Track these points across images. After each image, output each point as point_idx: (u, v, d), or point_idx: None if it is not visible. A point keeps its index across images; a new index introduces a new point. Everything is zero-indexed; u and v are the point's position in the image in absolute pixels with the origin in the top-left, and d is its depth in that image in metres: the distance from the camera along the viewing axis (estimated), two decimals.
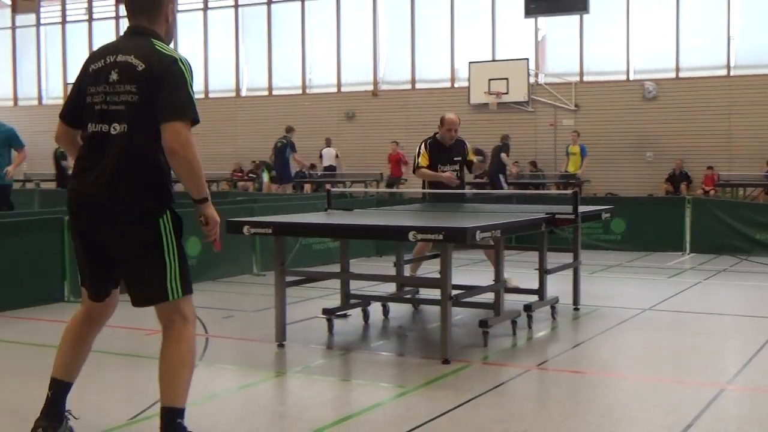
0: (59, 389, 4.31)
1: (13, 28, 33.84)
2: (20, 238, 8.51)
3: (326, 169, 26.05)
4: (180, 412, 4.11)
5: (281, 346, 6.78)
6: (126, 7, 4.25)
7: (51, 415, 4.27)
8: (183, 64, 4.01)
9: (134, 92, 3.97)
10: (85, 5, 32.27)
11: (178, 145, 3.95)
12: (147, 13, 4.16)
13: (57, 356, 4.38)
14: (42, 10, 33.20)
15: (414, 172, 9.58)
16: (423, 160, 9.26)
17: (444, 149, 9.28)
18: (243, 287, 10.02)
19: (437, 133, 9.35)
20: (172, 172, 4.13)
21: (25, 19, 33.43)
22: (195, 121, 4.06)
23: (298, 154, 21.54)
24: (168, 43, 4.16)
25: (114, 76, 4.03)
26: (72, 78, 21.55)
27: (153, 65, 3.97)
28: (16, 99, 34.00)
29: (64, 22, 32.70)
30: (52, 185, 25.65)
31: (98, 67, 4.10)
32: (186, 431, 4.11)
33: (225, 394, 5.62)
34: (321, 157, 26.19)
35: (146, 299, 4.15)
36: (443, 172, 9.13)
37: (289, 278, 6.99)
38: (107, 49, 4.17)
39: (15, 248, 8.43)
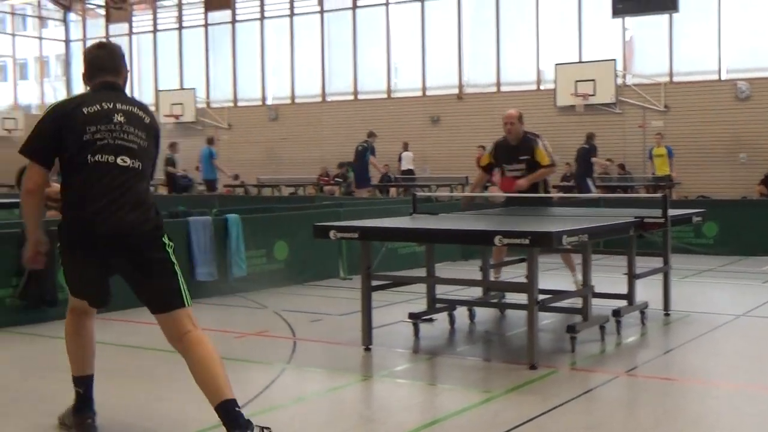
0: (84, 383, 4.80)
1: (107, 37, 34.75)
2: None
3: (404, 173, 26.09)
4: (235, 402, 4.34)
5: (368, 349, 6.81)
6: (97, 66, 4.70)
7: (82, 408, 4.77)
8: None
9: (144, 138, 4.59)
10: (176, 14, 32.99)
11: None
12: (114, 74, 4.71)
13: (70, 358, 4.85)
14: (134, 19, 34.09)
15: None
16: (483, 159, 9.16)
17: (509, 148, 9.06)
18: (330, 291, 10.11)
19: None
20: None
21: (119, 28, 34.38)
22: None
23: (374, 158, 21.62)
24: None
25: (120, 118, 4.53)
26: (164, 84, 22.15)
27: (153, 121, 4.73)
28: None
29: (155, 30, 33.48)
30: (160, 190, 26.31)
31: (96, 110, 4.52)
32: (244, 417, 4.30)
33: (312, 397, 5.68)
34: (400, 160, 26.25)
35: (167, 307, 4.54)
36: (510, 171, 8.99)
37: (375, 282, 7.03)
38: (97, 98, 4.58)
39: None
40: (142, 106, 4.73)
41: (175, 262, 4.55)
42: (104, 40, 4.77)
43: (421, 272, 8.07)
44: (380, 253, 7.44)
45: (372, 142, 21.13)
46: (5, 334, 7.44)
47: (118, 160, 4.46)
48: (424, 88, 28.12)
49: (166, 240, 4.56)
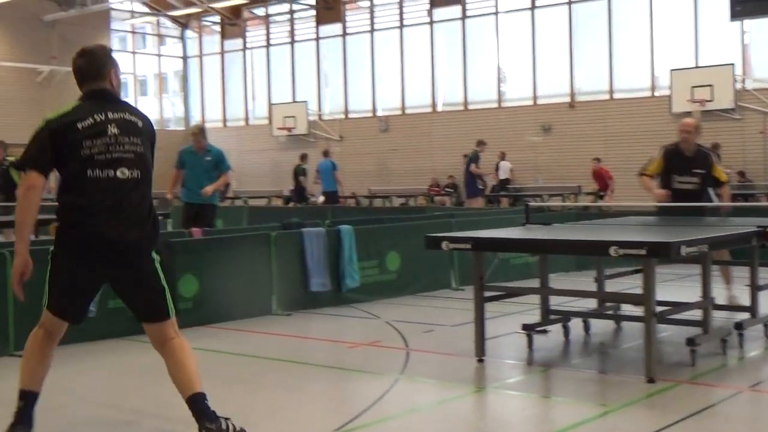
0: (30, 399, 4.71)
1: (222, 53, 35.67)
2: (231, 254, 8.93)
3: (502, 182, 25.90)
4: (204, 396, 4.64)
5: (481, 361, 6.77)
6: (80, 76, 4.74)
7: (24, 421, 4.67)
8: None
9: (139, 143, 4.65)
10: (288, 28, 33.58)
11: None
12: (97, 79, 4.71)
13: (24, 371, 4.74)
14: (248, 34, 34.86)
15: (639, 174, 9.01)
16: (652, 167, 8.78)
17: (683, 158, 8.65)
18: (441, 302, 10.10)
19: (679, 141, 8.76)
20: None
21: (233, 44, 35.22)
22: None
23: (476, 166, 21.46)
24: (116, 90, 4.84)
25: (113, 130, 4.59)
26: (277, 98, 22.51)
27: (146, 122, 4.76)
28: (225, 120, 35.78)
29: (268, 45, 34.15)
30: (262, 202, 26.83)
31: (89, 124, 4.57)
32: (212, 411, 4.61)
33: (425, 408, 5.67)
34: (497, 170, 26.06)
35: (155, 317, 4.73)
36: (680, 183, 8.69)
37: (488, 293, 6.98)
38: (88, 109, 4.61)
39: (226, 263, 8.84)
40: (134, 111, 4.78)
41: (162, 275, 4.73)
42: (87, 45, 4.85)
43: (534, 283, 7.98)
44: (493, 263, 7.39)
45: (479, 151, 20.96)
46: (126, 342, 7.68)
47: (118, 173, 4.56)
48: (534, 97, 27.87)
49: (154, 254, 4.72)
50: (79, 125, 4.56)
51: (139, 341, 7.75)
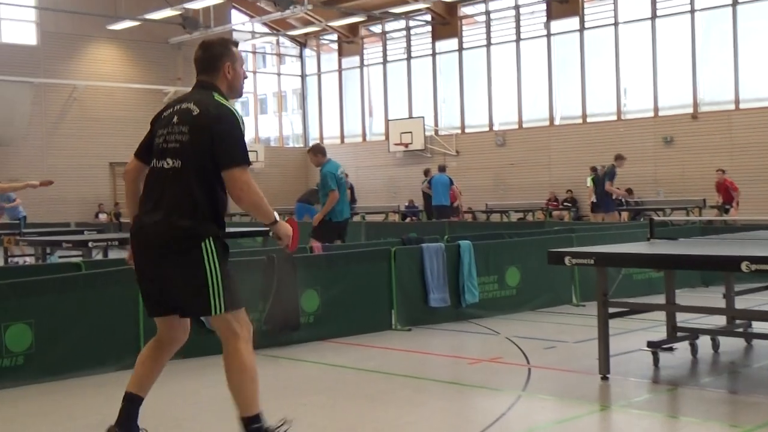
0: (134, 402, 4.72)
1: (340, 70, 36.17)
2: (352, 269, 9.03)
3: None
4: (254, 419, 4.57)
5: (605, 378, 6.64)
6: (195, 66, 4.84)
7: (125, 425, 4.68)
8: (236, 115, 4.61)
9: (186, 132, 4.55)
10: (404, 45, 33.82)
11: (239, 190, 4.51)
12: (207, 72, 4.77)
13: (133, 374, 4.79)
14: (365, 51, 35.26)
15: None
16: None
17: None
18: (562, 318, 9.96)
19: None
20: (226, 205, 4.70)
21: (351, 61, 35.68)
22: (248, 163, 4.63)
23: (610, 183, 20.98)
24: (233, 96, 4.81)
25: (175, 119, 4.62)
26: (393, 114, 22.81)
27: (206, 111, 4.56)
28: (342, 137, 36.25)
29: (385, 61, 34.46)
30: (379, 218, 27.05)
31: (167, 113, 4.71)
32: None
33: (548, 426, 5.60)
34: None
35: (193, 312, 4.68)
36: None
37: (612, 309, 6.85)
38: (177, 99, 4.77)
39: (347, 278, 8.94)
40: (201, 100, 4.63)
41: (209, 269, 4.47)
42: (210, 37, 5.18)
43: (658, 299, 7.80)
44: (616, 279, 7.25)
45: (617, 167, 20.30)
46: None
47: (164, 163, 4.59)
48: (656, 109, 27.26)
49: (202, 246, 4.47)
50: (163, 114, 4.74)
51: (263, 355, 7.92)
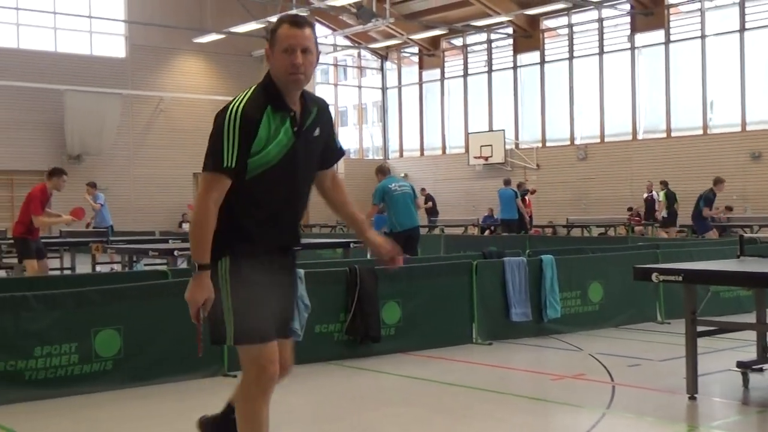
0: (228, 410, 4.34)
1: (420, 83, 36.25)
2: (433, 282, 9.01)
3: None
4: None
5: (692, 398, 6.49)
6: None
7: (221, 425, 4.36)
8: (228, 112, 3.88)
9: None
10: (485, 57, 33.74)
11: (196, 197, 3.95)
12: None
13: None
14: (446, 64, 35.28)
15: None
16: None
17: None
18: (646, 335, 9.77)
19: None
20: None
21: (431, 74, 35.73)
22: (220, 170, 3.84)
23: (709, 209, 20.56)
24: (282, 82, 3.93)
25: None
26: (473, 127, 22.79)
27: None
28: (422, 150, 36.29)
29: (465, 74, 34.42)
30: (458, 230, 26.99)
31: None
32: None
33: None
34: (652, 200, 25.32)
35: (214, 339, 4.06)
36: None
37: (700, 328, 6.70)
38: None
39: (428, 291, 8.93)
40: None
41: (224, 292, 3.93)
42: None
43: (747, 318, 7.60)
44: (704, 297, 7.09)
45: (717, 191, 19.65)
46: (333, 367, 7.88)
47: None
48: (743, 123, 26.65)
49: (218, 264, 3.94)
50: None
51: (344, 366, 7.96)
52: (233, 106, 3.89)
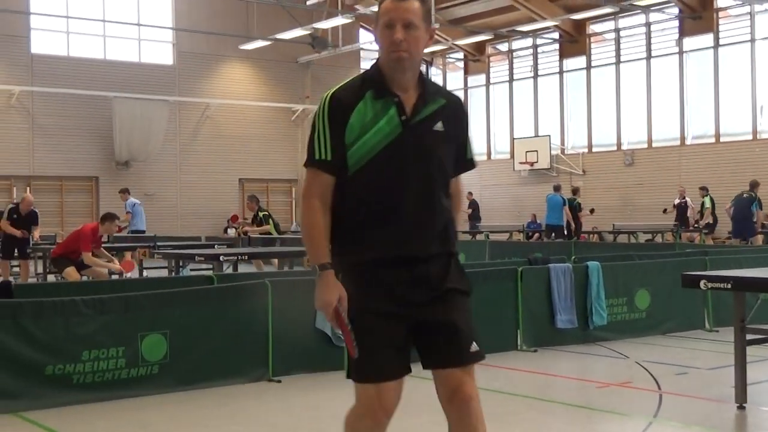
0: None
1: (465, 88, 36.16)
2: (478, 288, 8.93)
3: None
4: None
5: (742, 408, 6.39)
6: None
7: None
8: (320, 101, 3.56)
9: None
10: (531, 63, 33.58)
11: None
12: None
13: None
14: (491, 69, 35.17)
15: None
16: None
17: None
18: (694, 343, 9.65)
19: None
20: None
21: (476, 79, 35.65)
22: (315, 164, 3.50)
23: (761, 211, 20.51)
24: (385, 63, 3.56)
25: None
26: (519, 132, 22.60)
27: None
28: None
29: (511, 80, 34.28)
30: (503, 236, 26.87)
31: None
32: None
33: None
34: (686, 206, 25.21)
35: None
36: None
37: (749, 336, 6.59)
38: None
39: (473, 297, 8.86)
40: None
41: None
42: None
43: None
44: (754, 305, 6.99)
45: (757, 193, 19.93)
46: None
47: None
48: None
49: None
50: None
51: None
52: (325, 94, 3.55)
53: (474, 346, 3.68)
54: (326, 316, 3.50)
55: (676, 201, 25.85)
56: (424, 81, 3.58)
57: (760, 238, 20.66)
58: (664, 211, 26.40)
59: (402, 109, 3.49)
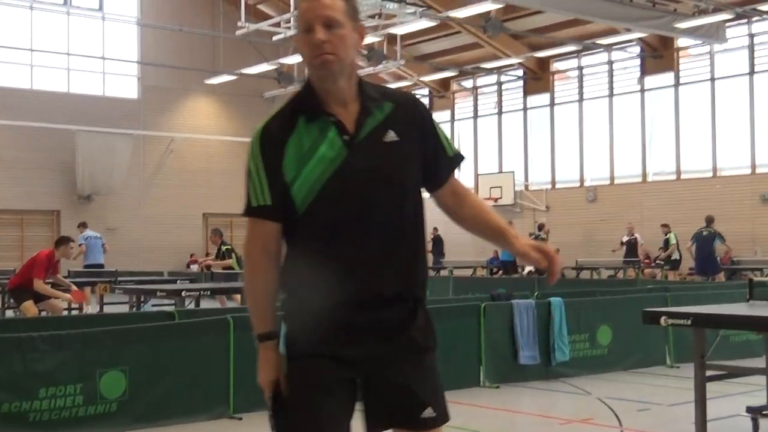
0: None
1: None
2: (440, 324, 8.87)
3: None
4: None
5: None
6: None
7: None
8: (251, 140, 3.05)
9: None
10: (495, 99, 33.83)
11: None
12: None
13: None
14: (456, 106, 35.42)
15: None
16: None
17: None
18: (655, 379, 9.70)
19: None
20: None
21: (442, 116, 35.78)
22: (254, 213, 3.04)
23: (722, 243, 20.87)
24: (309, 69, 3.01)
25: None
26: (483, 168, 22.49)
27: None
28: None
29: (476, 116, 34.53)
30: (467, 272, 26.93)
31: None
32: None
33: None
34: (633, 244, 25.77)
35: None
36: None
37: (709, 372, 6.64)
38: None
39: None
40: None
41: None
42: None
43: (756, 362, 7.53)
44: (715, 341, 7.04)
45: (714, 228, 20.41)
46: None
47: None
48: (753, 165, 26.62)
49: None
50: None
51: None
52: (255, 129, 3.02)
53: (429, 411, 3.11)
54: (264, 396, 3.00)
55: (625, 238, 26.24)
56: (363, 86, 3.02)
57: (722, 276, 20.98)
58: (613, 250, 26.72)
59: (342, 128, 2.93)
